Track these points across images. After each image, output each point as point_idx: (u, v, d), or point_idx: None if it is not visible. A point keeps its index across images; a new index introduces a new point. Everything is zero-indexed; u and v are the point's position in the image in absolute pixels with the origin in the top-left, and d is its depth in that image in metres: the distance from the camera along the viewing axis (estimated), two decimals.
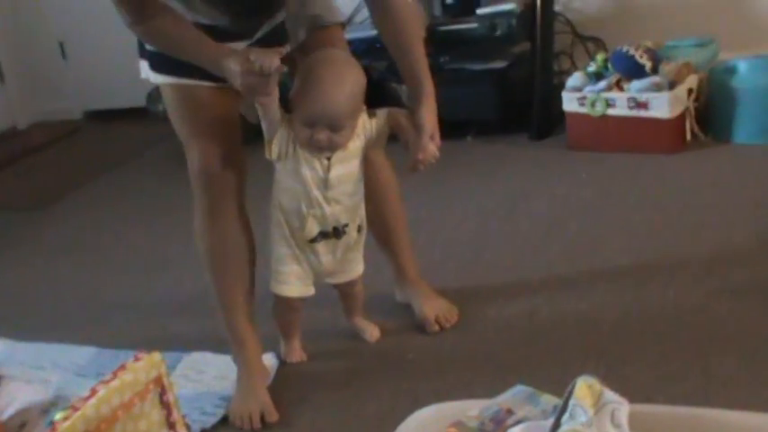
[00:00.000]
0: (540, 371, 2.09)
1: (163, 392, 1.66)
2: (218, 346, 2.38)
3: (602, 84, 3.43)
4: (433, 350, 2.33)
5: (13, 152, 5.10)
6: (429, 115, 2.06)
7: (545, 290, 2.51)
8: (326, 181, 2.04)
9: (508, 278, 2.63)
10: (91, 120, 5.58)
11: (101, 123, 5.48)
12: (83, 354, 2.57)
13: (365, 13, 3.32)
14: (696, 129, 3.41)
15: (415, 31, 2.14)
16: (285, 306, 2.25)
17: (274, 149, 2.02)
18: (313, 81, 1.96)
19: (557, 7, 3.94)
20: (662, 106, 3.28)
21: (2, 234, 3.86)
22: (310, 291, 2.22)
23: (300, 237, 2.11)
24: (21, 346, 2.67)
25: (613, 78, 3.43)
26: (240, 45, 1.99)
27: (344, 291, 2.35)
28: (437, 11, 4.04)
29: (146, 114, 4.43)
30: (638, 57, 3.35)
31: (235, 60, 1.82)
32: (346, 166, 2.07)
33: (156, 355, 1.65)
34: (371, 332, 2.42)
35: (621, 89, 3.39)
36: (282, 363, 2.37)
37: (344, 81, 1.97)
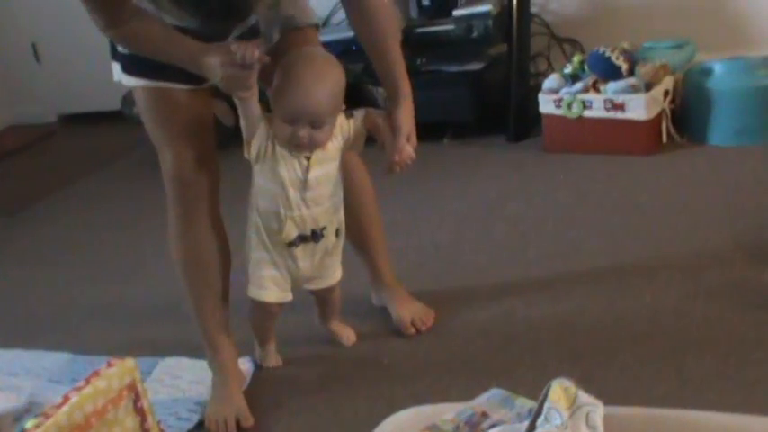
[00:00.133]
0: (515, 374, 2.09)
1: (137, 399, 1.65)
2: (193, 352, 2.37)
3: (579, 85, 3.44)
4: (409, 353, 2.32)
5: None
6: (406, 117, 2.05)
7: (521, 293, 2.51)
8: (305, 182, 2.02)
9: (484, 281, 2.63)
10: (65, 124, 5.55)
11: (75, 127, 5.45)
12: (57, 360, 2.55)
13: (342, 14, 3.31)
14: (672, 130, 3.42)
15: (392, 33, 2.13)
16: (263, 311, 2.23)
17: (253, 149, 1.99)
18: (293, 78, 1.94)
19: (533, 9, 3.95)
20: (638, 108, 3.29)
21: None
22: (288, 296, 2.20)
23: (278, 241, 2.09)
24: None
25: (590, 80, 3.44)
26: None
27: (322, 297, 2.34)
28: (413, 12, 4.04)
29: (121, 118, 4.40)
30: (614, 58, 3.36)
31: (215, 54, 1.81)
32: (325, 167, 2.05)
33: (130, 361, 1.63)
34: (347, 336, 2.41)
35: (598, 91, 3.40)
36: (258, 367, 2.36)
37: (326, 77, 1.96)
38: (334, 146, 2.06)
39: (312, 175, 2.03)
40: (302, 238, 2.09)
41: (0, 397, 2.20)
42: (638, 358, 2.11)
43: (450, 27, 3.85)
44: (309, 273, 2.18)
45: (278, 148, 2.00)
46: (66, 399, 1.49)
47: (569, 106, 3.43)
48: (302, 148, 1.99)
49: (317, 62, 1.99)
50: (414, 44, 3.78)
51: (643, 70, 3.35)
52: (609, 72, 3.38)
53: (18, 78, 5.51)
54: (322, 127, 1.96)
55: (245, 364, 2.33)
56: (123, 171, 4.48)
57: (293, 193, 2.03)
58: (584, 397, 1.11)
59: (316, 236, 2.10)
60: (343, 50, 3.41)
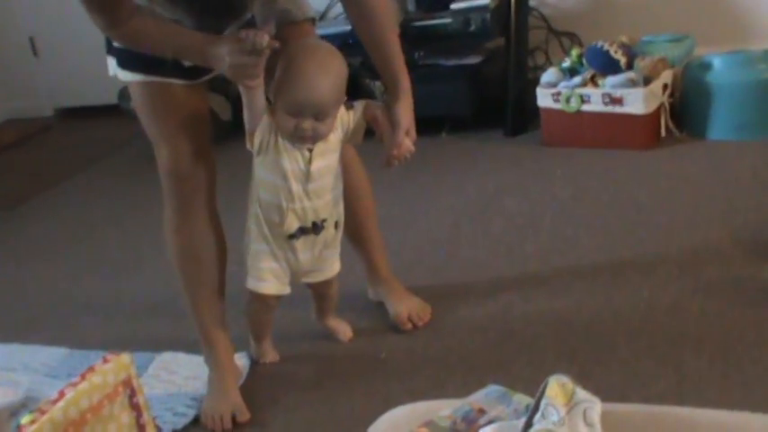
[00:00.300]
0: (512, 370, 2.09)
1: (132, 394, 1.65)
2: (189, 347, 2.36)
3: (577, 79, 3.43)
4: (405, 349, 2.31)
5: None
6: (405, 111, 2.05)
7: (518, 288, 2.51)
8: (308, 174, 2.01)
9: (482, 276, 2.62)
10: (62, 117, 5.54)
11: (72, 121, 5.44)
12: (54, 355, 2.54)
13: (339, 8, 3.30)
14: (671, 125, 3.42)
15: (390, 26, 2.13)
16: (261, 304, 2.23)
17: (256, 140, 1.98)
18: (296, 70, 1.93)
19: (531, 2, 3.94)
20: (637, 102, 3.28)
21: None
22: (286, 289, 2.19)
23: (279, 233, 2.08)
24: None
25: (588, 74, 3.43)
26: None
27: (320, 291, 2.33)
28: (411, 6, 4.03)
29: (118, 112, 4.40)
30: (612, 52, 3.35)
31: (222, 43, 1.81)
32: (327, 159, 2.05)
33: (125, 357, 1.63)
34: (344, 332, 2.40)
35: (596, 85, 3.39)
36: (254, 363, 2.36)
37: (329, 69, 1.95)
38: (335, 137, 2.05)
39: (314, 166, 2.02)
40: (303, 231, 2.09)
41: None
42: (635, 354, 2.10)
43: (447, 20, 3.84)
44: (309, 265, 2.17)
45: (280, 140, 1.99)
46: (61, 394, 1.49)
47: (567, 100, 3.42)
48: (306, 140, 1.98)
49: (319, 53, 1.98)
50: (411, 38, 3.77)
51: (642, 64, 3.35)
52: (607, 66, 3.37)
53: (15, 72, 5.50)
54: (325, 119, 1.96)
55: (242, 360, 2.33)
56: (120, 165, 4.47)
57: (295, 185, 2.02)
58: (581, 393, 1.11)
59: (316, 228, 2.09)
60: (340, 44, 3.38)
